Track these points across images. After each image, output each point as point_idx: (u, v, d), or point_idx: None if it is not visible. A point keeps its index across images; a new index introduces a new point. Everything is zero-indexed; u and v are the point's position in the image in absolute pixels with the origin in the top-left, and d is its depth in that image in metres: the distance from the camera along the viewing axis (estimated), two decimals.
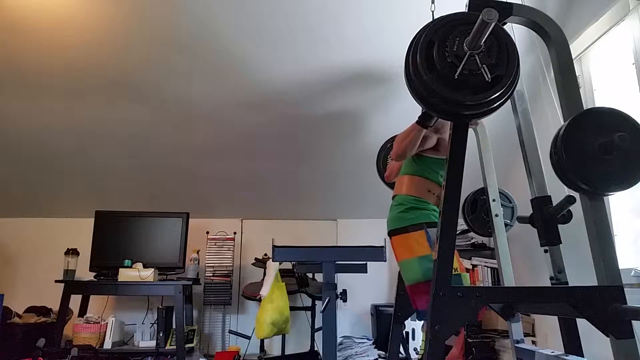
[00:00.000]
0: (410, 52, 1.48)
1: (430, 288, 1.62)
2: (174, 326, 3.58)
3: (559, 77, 1.70)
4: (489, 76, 1.38)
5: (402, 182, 2.24)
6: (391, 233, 2.17)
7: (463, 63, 1.37)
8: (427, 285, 2.02)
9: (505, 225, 2.12)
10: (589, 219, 1.54)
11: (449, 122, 2.18)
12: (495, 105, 1.45)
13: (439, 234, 1.48)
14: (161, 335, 3.60)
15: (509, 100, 2.08)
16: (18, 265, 4.19)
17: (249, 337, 3.61)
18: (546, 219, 1.89)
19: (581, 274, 1.93)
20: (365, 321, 4.14)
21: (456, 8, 1.77)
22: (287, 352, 3.81)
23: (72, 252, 3.79)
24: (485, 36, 1.33)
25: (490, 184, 2.05)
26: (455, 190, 1.49)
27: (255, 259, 3.93)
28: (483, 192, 2.19)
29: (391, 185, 2.57)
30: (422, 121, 1.99)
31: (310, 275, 3.90)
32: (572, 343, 1.82)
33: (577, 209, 1.66)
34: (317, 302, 3.78)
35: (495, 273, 4.14)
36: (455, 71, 1.37)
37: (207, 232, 4.15)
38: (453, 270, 2.00)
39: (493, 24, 1.28)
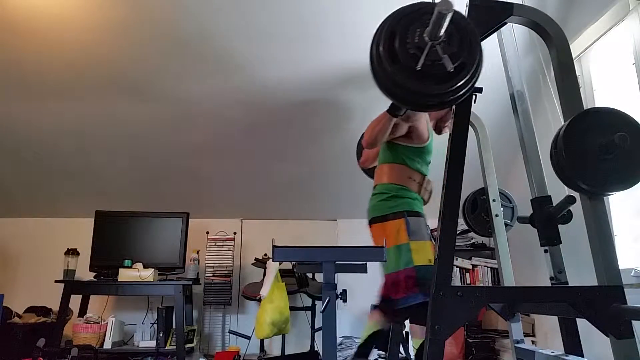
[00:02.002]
0: (374, 44, 1.48)
1: (406, 278, 1.64)
2: (174, 326, 3.58)
3: (559, 77, 1.70)
4: (452, 66, 1.37)
5: (382, 171, 2.25)
6: (371, 222, 2.18)
7: (425, 54, 1.36)
8: (403, 274, 2.02)
9: (505, 225, 2.12)
10: (589, 219, 1.54)
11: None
12: (460, 93, 1.45)
13: (439, 234, 1.48)
14: (161, 335, 3.60)
15: (510, 101, 2.09)
16: (18, 265, 4.19)
17: (249, 337, 3.61)
18: (546, 219, 1.89)
19: (581, 274, 1.93)
20: (365, 321, 4.13)
21: (456, 8, 1.77)
22: (287, 352, 3.81)
23: (72, 252, 3.79)
24: (444, 27, 1.33)
25: (490, 184, 2.05)
26: (455, 190, 1.49)
27: (255, 259, 3.93)
28: (483, 192, 2.20)
29: (367, 172, 2.58)
30: (392, 110, 2.00)
31: (310, 275, 3.90)
32: (572, 343, 1.82)
33: (577, 209, 1.66)
34: (317, 302, 3.78)
35: (495, 273, 4.14)
36: (418, 62, 1.37)
37: (207, 232, 4.15)
38: (428, 260, 2.02)
39: (450, 15, 1.28)
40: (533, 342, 3.59)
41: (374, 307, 2.13)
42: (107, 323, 3.61)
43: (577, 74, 2.74)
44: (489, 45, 1.78)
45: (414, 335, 2.11)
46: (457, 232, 2.13)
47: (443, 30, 1.34)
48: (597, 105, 2.76)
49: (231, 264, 4.07)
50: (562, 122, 1.58)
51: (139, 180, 4.04)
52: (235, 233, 4.24)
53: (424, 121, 2.19)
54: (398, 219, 2.09)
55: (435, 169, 2.21)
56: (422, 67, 1.37)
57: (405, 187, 2.16)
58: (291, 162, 3.96)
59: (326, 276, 1.60)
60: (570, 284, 1.87)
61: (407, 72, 1.39)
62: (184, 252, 3.85)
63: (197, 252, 3.99)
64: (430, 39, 1.36)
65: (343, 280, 3.80)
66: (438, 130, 2.44)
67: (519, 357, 1.93)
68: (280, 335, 3.69)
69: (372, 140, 2.10)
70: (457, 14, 1.42)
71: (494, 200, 2.06)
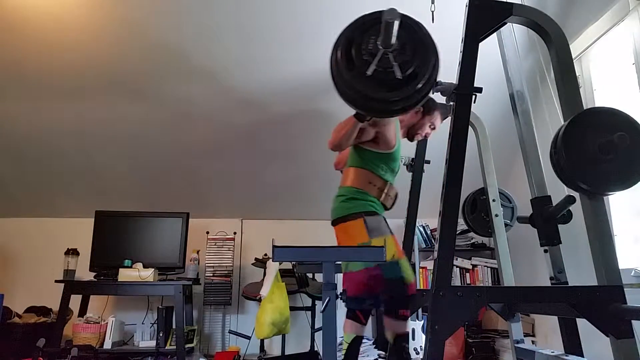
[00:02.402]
0: (333, 51, 1.51)
1: (369, 277, 1.66)
2: (174, 326, 3.57)
3: (559, 77, 1.70)
4: (400, 74, 1.41)
5: (347, 174, 2.29)
6: (333, 223, 2.22)
7: (375, 61, 1.40)
8: (367, 274, 2.04)
9: (505, 225, 2.13)
10: (589, 219, 1.54)
11: (389, 117, 2.21)
12: (412, 101, 1.49)
13: (439, 234, 1.48)
14: (161, 335, 3.60)
15: (510, 101, 2.09)
16: (18, 265, 4.19)
17: (249, 337, 3.61)
18: (546, 219, 1.89)
19: (581, 274, 1.93)
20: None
21: (456, 8, 1.77)
22: (287, 352, 3.81)
23: (72, 252, 3.79)
24: (394, 35, 1.36)
25: (490, 184, 2.05)
26: (455, 190, 1.49)
27: (255, 259, 3.93)
28: (483, 192, 2.20)
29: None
30: (358, 115, 2.01)
31: (310, 275, 3.90)
32: (572, 343, 1.82)
33: (577, 209, 1.66)
34: (317, 302, 3.78)
35: (495, 273, 4.14)
36: (372, 70, 1.41)
37: (207, 232, 4.15)
38: (392, 256, 2.03)
39: (397, 23, 1.31)
40: (533, 342, 3.59)
41: (348, 316, 2.16)
42: (107, 323, 3.60)
43: (577, 74, 2.74)
44: (489, 45, 1.79)
45: (345, 330, 2.14)
46: (457, 232, 2.13)
47: (394, 39, 1.38)
48: (597, 105, 2.76)
49: (231, 264, 4.07)
50: (562, 122, 1.58)
51: (139, 180, 4.04)
52: (235, 233, 4.24)
53: (392, 128, 2.21)
54: (357, 219, 2.13)
55: (435, 169, 2.21)
56: (375, 74, 1.42)
57: (364, 191, 2.20)
58: (291, 162, 3.95)
59: (326, 276, 1.60)
60: (570, 284, 1.87)
61: (361, 78, 1.44)
62: (184, 252, 3.84)
63: (197, 252, 3.99)
64: (382, 47, 1.40)
65: None
66: (410, 137, 2.45)
67: (519, 357, 1.93)
68: (280, 335, 3.69)
69: (337, 142, 2.12)
70: (414, 22, 1.46)
71: (494, 200, 2.06)
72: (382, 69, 1.41)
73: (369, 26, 1.46)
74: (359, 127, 2.07)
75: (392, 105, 1.49)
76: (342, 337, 2.13)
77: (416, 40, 1.46)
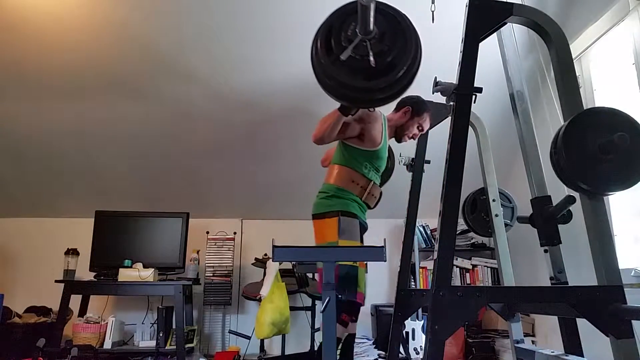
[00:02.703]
0: (314, 38, 1.51)
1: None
2: (174, 326, 3.58)
3: (559, 77, 1.70)
4: (374, 61, 1.38)
5: (331, 171, 2.29)
6: (313, 217, 2.25)
7: (351, 47, 1.38)
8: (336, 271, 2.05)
9: (505, 225, 2.12)
10: (589, 219, 1.54)
11: (376, 114, 2.20)
12: (393, 91, 1.47)
13: (438, 235, 1.48)
14: (161, 335, 3.60)
15: (510, 100, 2.09)
16: (18, 265, 4.19)
17: (249, 337, 3.61)
18: (546, 219, 1.89)
19: (581, 274, 1.93)
20: (365, 321, 4.13)
21: (456, 8, 1.77)
22: (287, 352, 3.81)
23: (72, 252, 3.79)
24: (371, 21, 1.34)
25: (490, 184, 2.05)
26: (455, 190, 1.49)
27: (255, 259, 3.93)
28: (483, 192, 2.20)
29: None
30: (342, 108, 2.00)
31: (310, 275, 3.90)
32: (572, 343, 1.82)
33: (577, 209, 1.66)
34: (317, 302, 3.78)
35: (495, 273, 4.14)
36: (347, 55, 1.39)
37: (207, 232, 4.15)
38: (353, 262, 2.04)
39: (373, 7, 1.28)
40: (533, 342, 3.59)
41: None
42: (107, 323, 3.60)
43: (577, 74, 2.74)
44: (489, 45, 1.78)
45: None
46: (457, 232, 2.13)
47: (371, 25, 1.36)
48: (597, 105, 2.76)
49: (231, 264, 4.07)
50: (562, 122, 1.58)
51: (139, 180, 4.04)
52: (235, 233, 4.24)
53: (378, 126, 2.21)
54: (333, 218, 2.14)
55: (435, 169, 2.21)
56: (351, 61, 1.39)
57: (346, 189, 2.20)
58: (291, 162, 3.95)
59: (326, 276, 1.60)
60: (570, 284, 1.87)
61: (337, 64, 1.42)
62: (184, 252, 3.85)
63: (197, 252, 3.99)
64: (361, 34, 1.38)
65: None
66: (398, 138, 2.45)
67: (519, 357, 1.93)
68: (280, 335, 3.69)
69: (320, 135, 2.11)
70: (397, 15, 1.45)
71: (494, 200, 2.06)
72: (359, 56, 1.39)
73: (349, 13, 1.44)
74: (342, 121, 2.06)
75: (369, 95, 1.47)
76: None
77: (397, 30, 1.44)
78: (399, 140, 2.47)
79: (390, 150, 2.81)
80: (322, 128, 2.09)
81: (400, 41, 1.43)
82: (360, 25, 1.36)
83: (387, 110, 2.15)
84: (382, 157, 2.30)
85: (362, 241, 2.23)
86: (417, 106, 2.38)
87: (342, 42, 1.41)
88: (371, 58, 1.37)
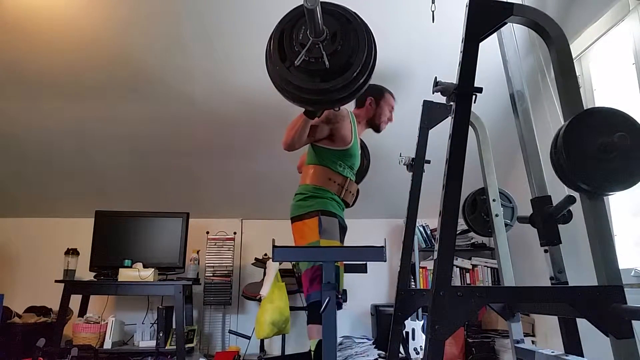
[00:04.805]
0: (267, 44, 1.50)
1: (313, 276, 1.63)
2: (174, 326, 3.58)
3: (559, 77, 1.70)
4: (328, 63, 1.38)
5: (306, 172, 2.28)
6: (291, 221, 2.22)
7: (304, 51, 1.37)
8: (311, 272, 2.05)
9: (505, 225, 2.12)
10: (589, 219, 1.54)
11: (343, 113, 2.19)
12: (353, 89, 1.47)
13: (438, 234, 1.48)
14: (161, 335, 3.60)
15: (510, 100, 2.09)
16: (18, 265, 4.19)
17: (249, 337, 3.61)
18: (546, 219, 1.89)
19: (581, 274, 1.93)
20: (365, 321, 4.14)
21: (456, 8, 1.77)
22: (287, 352, 3.81)
23: (72, 252, 3.79)
24: (319, 23, 1.33)
25: (490, 184, 2.05)
26: (455, 190, 1.49)
27: (255, 259, 3.93)
28: (483, 192, 2.20)
29: None
30: (307, 112, 1.98)
31: None
32: (572, 343, 1.82)
33: (577, 209, 1.66)
34: None
35: (495, 273, 4.14)
36: (301, 60, 1.38)
37: (207, 232, 4.15)
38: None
39: (319, 10, 1.28)
40: (533, 342, 3.59)
41: (308, 322, 2.15)
42: (107, 323, 3.61)
43: (577, 74, 2.74)
44: (489, 45, 1.78)
45: (310, 336, 2.10)
46: (457, 232, 2.13)
47: (320, 26, 1.35)
48: (597, 105, 2.76)
49: (231, 264, 4.07)
50: (562, 122, 1.58)
51: (139, 180, 4.04)
52: (235, 233, 4.24)
53: (346, 125, 2.21)
54: (313, 218, 2.13)
55: (435, 169, 2.21)
56: (306, 65, 1.39)
57: (324, 188, 2.20)
58: (291, 162, 3.95)
59: (326, 276, 1.60)
60: (570, 284, 1.87)
61: (292, 69, 1.42)
62: (184, 252, 3.85)
63: (197, 252, 3.99)
64: (312, 37, 1.37)
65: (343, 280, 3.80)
66: (376, 128, 2.44)
67: (519, 357, 1.93)
68: (280, 335, 3.69)
69: (289, 141, 2.09)
70: (347, 13, 1.45)
71: (494, 200, 2.06)
72: (313, 59, 1.39)
73: (299, 17, 1.44)
74: (309, 125, 2.04)
75: (329, 95, 1.46)
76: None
77: (348, 29, 1.44)
78: (377, 131, 2.46)
79: (366, 148, 2.81)
80: (290, 134, 2.07)
81: (352, 39, 1.43)
82: (310, 28, 1.36)
83: (348, 108, 2.15)
84: (354, 155, 2.29)
85: (342, 241, 2.22)
86: (376, 92, 2.38)
87: (295, 47, 1.41)
88: (325, 60, 1.37)
